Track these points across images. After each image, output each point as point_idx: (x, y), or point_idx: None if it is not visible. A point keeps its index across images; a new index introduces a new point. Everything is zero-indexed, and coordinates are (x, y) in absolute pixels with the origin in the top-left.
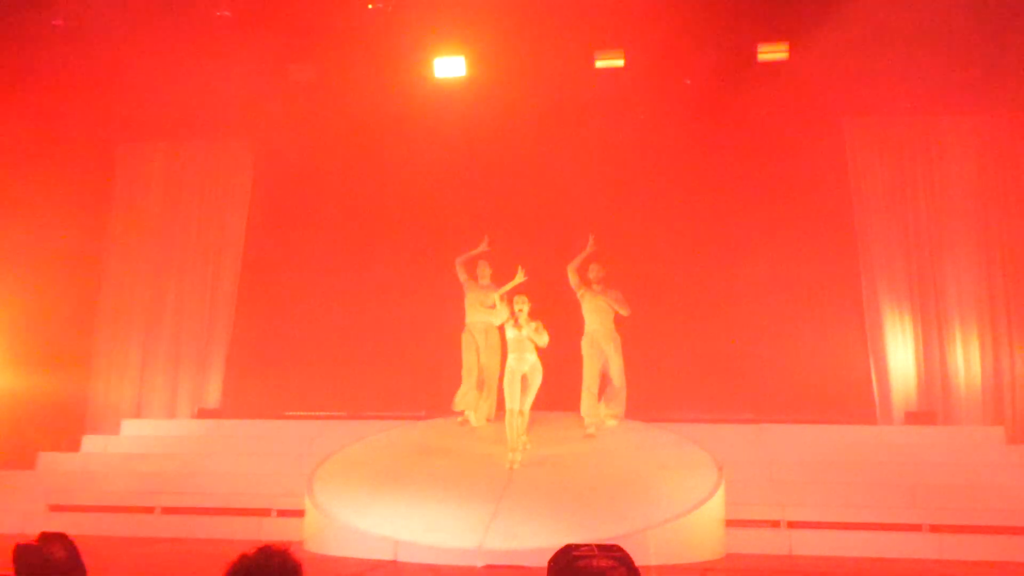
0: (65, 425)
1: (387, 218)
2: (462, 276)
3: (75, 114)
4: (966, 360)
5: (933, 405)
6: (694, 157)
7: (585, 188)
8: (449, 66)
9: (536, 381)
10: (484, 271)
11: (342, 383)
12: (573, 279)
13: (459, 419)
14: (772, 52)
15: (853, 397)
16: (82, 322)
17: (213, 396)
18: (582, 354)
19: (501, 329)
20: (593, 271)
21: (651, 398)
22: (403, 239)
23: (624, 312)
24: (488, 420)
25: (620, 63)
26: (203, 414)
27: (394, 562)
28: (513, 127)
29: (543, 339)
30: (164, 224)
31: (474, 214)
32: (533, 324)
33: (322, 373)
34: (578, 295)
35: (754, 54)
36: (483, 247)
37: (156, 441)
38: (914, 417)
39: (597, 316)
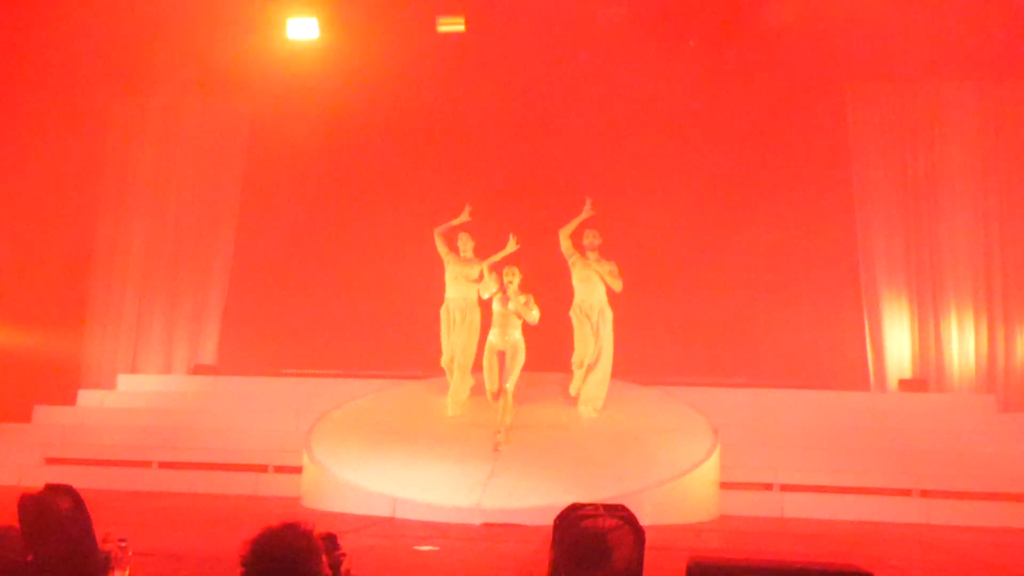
0: (61, 379)
1: (384, 177)
2: (442, 248)
3: (68, 68)
4: (960, 329)
5: (926, 373)
6: (694, 122)
7: (583, 154)
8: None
9: (519, 360)
10: (466, 243)
11: (339, 341)
12: (565, 244)
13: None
14: None
15: (847, 364)
16: (77, 278)
17: (209, 352)
18: (572, 325)
19: (483, 306)
20: (588, 237)
21: (648, 362)
22: (402, 198)
23: (616, 286)
24: (461, 405)
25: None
26: (199, 370)
27: (392, 519)
28: (511, 82)
29: (533, 315)
30: (159, 179)
31: (469, 174)
32: (523, 298)
33: (319, 331)
34: (569, 262)
35: (757, 19)
36: (464, 217)
37: (152, 396)
38: (907, 384)
39: (587, 286)
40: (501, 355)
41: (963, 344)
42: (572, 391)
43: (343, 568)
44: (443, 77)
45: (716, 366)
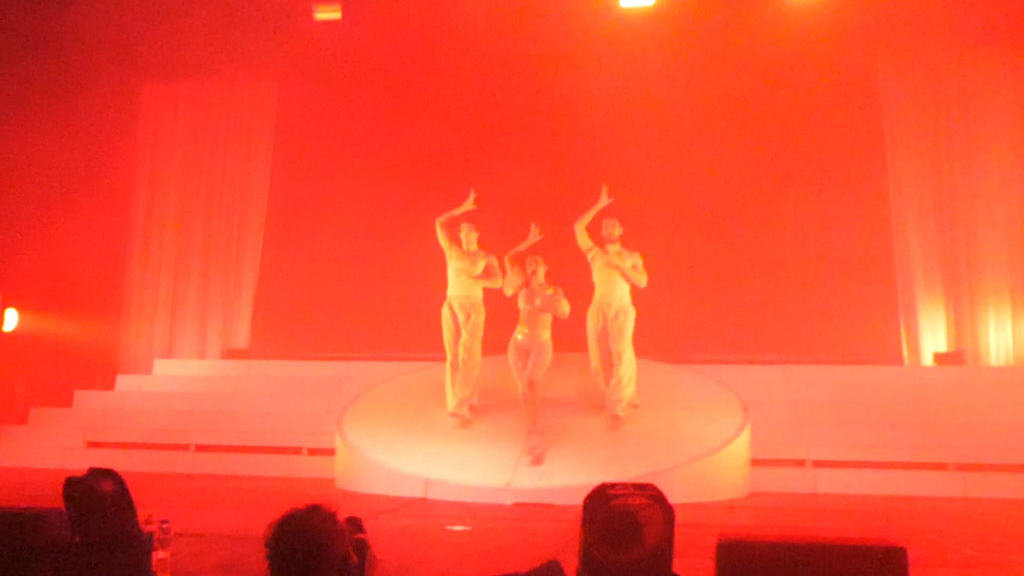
0: (100, 365)
1: (413, 157)
2: (443, 240)
3: (99, 57)
4: (995, 301)
5: (962, 346)
6: (725, 96)
7: (603, 130)
8: None
9: (545, 359)
10: (470, 235)
11: (369, 324)
12: (582, 238)
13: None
14: None
15: (881, 338)
16: (113, 266)
17: (242, 337)
18: (587, 329)
19: (488, 304)
20: (607, 228)
21: (678, 339)
22: (432, 178)
23: (640, 283)
24: (461, 414)
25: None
26: (232, 354)
27: (424, 499)
28: (531, 64)
29: (563, 308)
30: (190, 166)
31: (492, 154)
32: (550, 290)
33: (350, 314)
34: (588, 257)
35: None
36: (468, 204)
37: (188, 381)
38: (943, 358)
39: (608, 283)
40: (526, 354)
41: (999, 316)
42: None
43: (368, 553)
44: (464, 57)
45: (746, 343)
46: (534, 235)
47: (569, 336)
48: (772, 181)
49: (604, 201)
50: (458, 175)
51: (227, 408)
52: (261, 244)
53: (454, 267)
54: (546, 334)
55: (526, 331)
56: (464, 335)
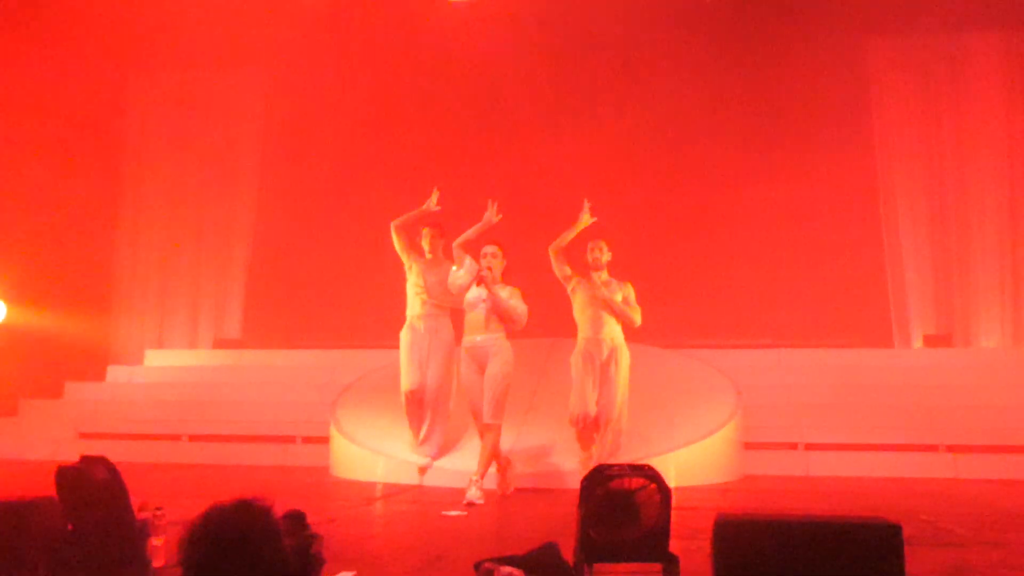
0: (90, 356)
1: (405, 146)
2: (401, 247)
3: (86, 48)
4: (985, 282)
5: (952, 327)
6: (711, 78)
7: (591, 112)
8: None
9: (500, 378)
10: (434, 242)
11: (362, 312)
12: (558, 266)
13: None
14: None
15: (871, 321)
16: (103, 256)
17: (233, 326)
18: (572, 375)
19: (456, 320)
20: (592, 252)
21: (670, 324)
22: (425, 166)
23: (633, 320)
24: (428, 463)
25: None
26: (223, 344)
27: (420, 486)
28: (518, 53)
29: (519, 309)
30: (179, 155)
31: (486, 144)
32: (507, 289)
33: (342, 302)
34: (568, 288)
35: None
36: (429, 205)
37: (180, 371)
38: (932, 340)
39: (594, 320)
40: (480, 372)
41: (988, 298)
42: (579, 460)
43: (313, 550)
44: (454, 45)
45: (739, 328)
46: (491, 216)
47: (567, 322)
48: (763, 165)
49: (585, 220)
50: (452, 163)
51: (220, 398)
52: (252, 233)
53: (415, 280)
54: (501, 339)
55: (477, 339)
56: (435, 361)
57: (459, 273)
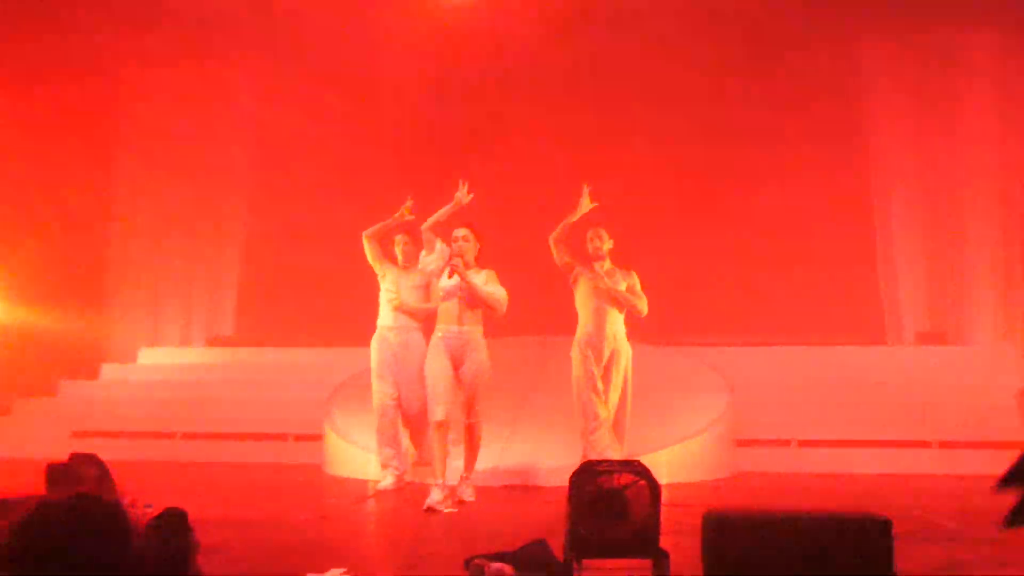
0: (84, 354)
1: (400, 143)
2: (372, 256)
3: (77, 42)
4: (978, 279)
5: (945, 325)
6: (702, 77)
7: (590, 111)
8: None
9: (478, 380)
10: (408, 250)
11: (355, 310)
12: (559, 255)
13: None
14: None
15: (864, 318)
16: (95, 254)
17: (226, 324)
18: (572, 377)
19: (427, 330)
20: (592, 242)
21: (662, 321)
22: (423, 161)
23: (639, 309)
24: (401, 477)
25: None
26: (216, 342)
27: (412, 483)
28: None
29: (497, 295)
30: (171, 152)
31: (483, 137)
32: (483, 273)
33: (335, 300)
34: (569, 278)
35: None
36: (403, 212)
37: (173, 369)
38: (924, 337)
39: (597, 312)
40: (456, 372)
41: (981, 295)
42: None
43: (192, 557)
44: (450, 40)
45: (731, 325)
46: (461, 196)
47: (558, 319)
48: (755, 162)
49: (585, 206)
50: (450, 158)
51: (213, 396)
52: (244, 231)
53: (385, 288)
54: (472, 331)
55: (452, 330)
56: (408, 373)
57: (429, 259)
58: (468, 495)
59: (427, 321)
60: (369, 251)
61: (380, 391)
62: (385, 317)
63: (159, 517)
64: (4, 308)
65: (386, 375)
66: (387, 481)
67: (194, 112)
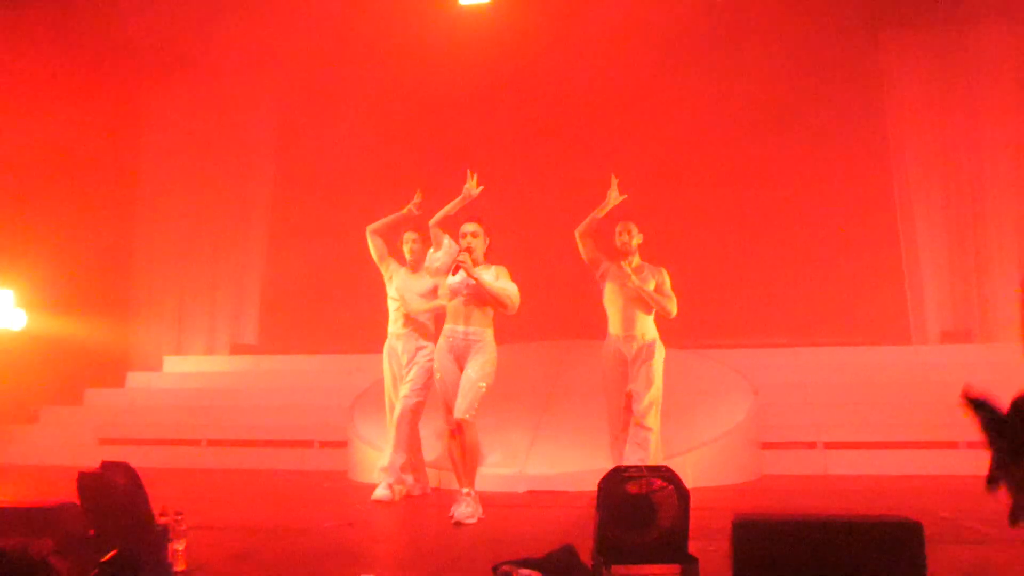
0: (110, 362)
1: (420, 151)
2: (376, 253)
3: (103, 55)
4: (1003, 276)
5: (970, 323)
6: (724, 76)
7: (607, 114)
8: None
9: (479, 379)
10: (413, 247)
11: (377, 317)
12: (586, 248)
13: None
14: None
15: (888, 318)
16: (121, 264)
17: (250, 332)
18: (602, 379)
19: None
20: (621, 236)
21: (686, 324)
22: (438, 170)
23: (667, 311)
24: (406, 491)
25: None
26: (240, 350)
27: (437, 489)
28: (530, 52)
29: (508, 291)
30: (195, 161)
31: (502, 147)
32: (492, 269)
33: (358, 307)
34: (596, 274)
35: None
36: (410, 208)
37: (198, 377)
38: (950, 336)
39: (626, 310)
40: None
41: (1007, 292)
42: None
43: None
44: (469, 47)
45: (755, 326)
46: (470, 188)
47: (581, 322)
48: (778, 163)
49: (614, 199)
50: (466, 166)
51: (237, 403)
52: (268, 239)
53: (396, 292)
54: (487, 334)
55: (459, 329)
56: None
57: (437, 255)
58: (466, 514)
59: (437, 322)
60: (373, 247)
61: (392, 407)
62: (394, 323)
63: (110, 562)
64: (30, 317)
65: (395, 388)
66: (383, 491)
67: (218, 124)
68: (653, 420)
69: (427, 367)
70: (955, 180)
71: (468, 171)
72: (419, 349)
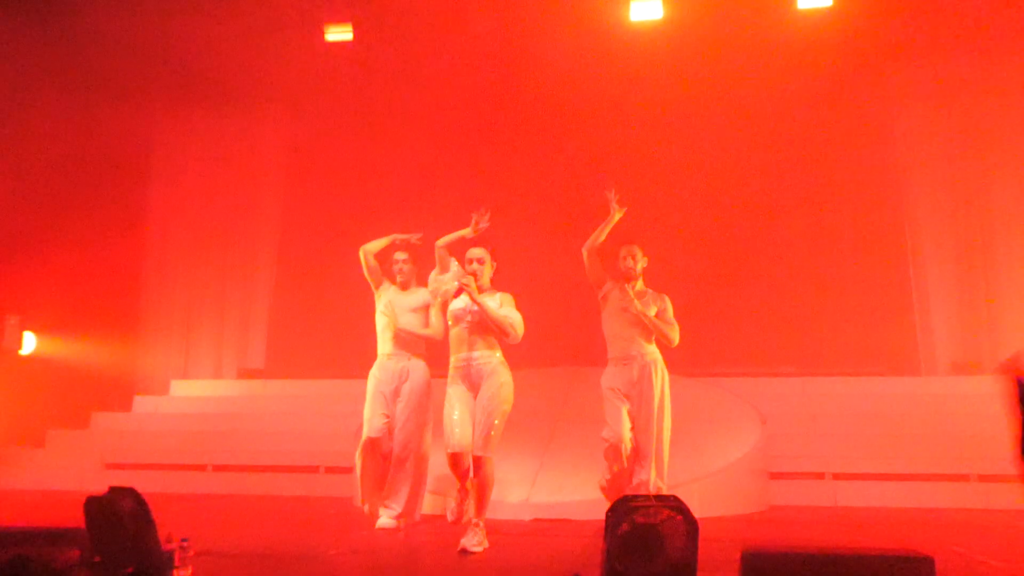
0: (117, 386)
1: (427, 177)
2: (368, 269)
3: (115, 81)
4: (1013, 307)
5: (980, 354)
6: (734, 106)
7: (615, 135)
8: None
9: (496, 404)
10: (403, 267)
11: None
12: (591, 266)
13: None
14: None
15: (897, 348)
16: (129, 289)
17: (257, 357)
18: (604, 406)
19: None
20: (625, 260)
21: (694, 352)
22: (445, 197)
23: (669, 338)
24: (392, 524)
25: None
26: (247, 374)
27: (443, 516)
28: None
29: (511, 319)
30: (204, 186)
31: (515, 176)
32: (497, 296)
33: (364, 332)
34: (599, 294)
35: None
36: (408, 239)
37: (205, 401)
38: (960, 367)
39: (626, 332)
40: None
41: (1017, 323)
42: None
43: None
44: (476, 77)
45: (763, 356)
46: (481, 221)
47: (593, 351)
48: (787, 193)
49: (616, 213)
50: (472, 196)
51: (244, 428)
52: (275, 264)
53: (387, 312)
54: (491, 358)
55: (463, 356)
56: (408, 408)
57: (443, 278)
58: (472, 543)
59: (429, 349)
60: (365, 265)
61: (371, 423)
62: (383, 344)
63: None
64: (37, 341)
65: (378, 408)
66: (389, 522)
67: (227, 152)
68: (661, 446)
69: (421, 387)
70: (965, 211)
71: (473, 215)
72: (409, 370)
